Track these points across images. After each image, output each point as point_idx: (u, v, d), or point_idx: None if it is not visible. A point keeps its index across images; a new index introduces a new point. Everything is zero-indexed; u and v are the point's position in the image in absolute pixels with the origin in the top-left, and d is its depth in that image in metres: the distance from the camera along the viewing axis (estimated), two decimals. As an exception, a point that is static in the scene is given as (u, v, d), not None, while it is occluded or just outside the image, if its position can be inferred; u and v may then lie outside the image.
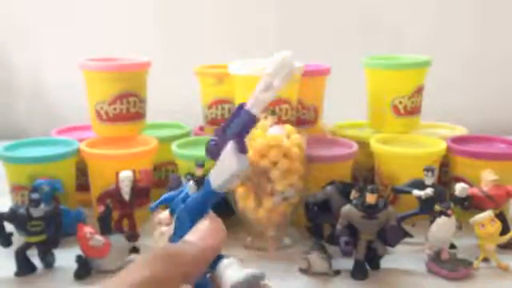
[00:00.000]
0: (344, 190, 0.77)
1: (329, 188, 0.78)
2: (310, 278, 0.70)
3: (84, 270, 0.70)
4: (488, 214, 0.72)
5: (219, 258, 0.33)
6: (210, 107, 1.03)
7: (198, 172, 0.79)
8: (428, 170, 0.78)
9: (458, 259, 0.72)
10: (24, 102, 1.48)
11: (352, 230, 0.71)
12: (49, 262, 0.73)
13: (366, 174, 0.97)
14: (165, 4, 1.41)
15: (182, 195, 0.71)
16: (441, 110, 1.14)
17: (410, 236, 0.76)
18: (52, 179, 0.81)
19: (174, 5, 1.41)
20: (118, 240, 0.73)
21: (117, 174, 0.78)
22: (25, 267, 0.72)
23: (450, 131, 1.04)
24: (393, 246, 0.72)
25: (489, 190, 0.77)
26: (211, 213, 0.34)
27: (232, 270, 0.32)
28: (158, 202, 0.76)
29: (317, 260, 0.70)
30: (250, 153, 0.74)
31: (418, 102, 0.97)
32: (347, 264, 0.72)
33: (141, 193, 0.81)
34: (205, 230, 0.33)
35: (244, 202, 0.76)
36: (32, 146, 0.91)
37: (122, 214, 0.79)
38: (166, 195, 0.76)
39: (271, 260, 0.76)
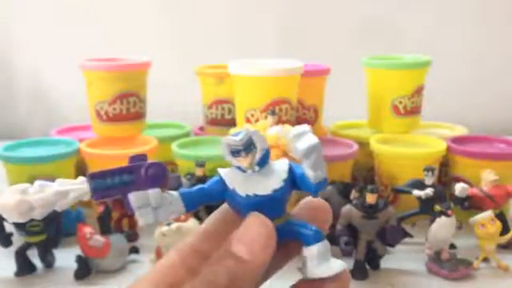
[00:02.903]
0: (344, 190, 0.77)
1: (329, 188, 0.78)
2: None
3: (84, 270, 0.70)
4: (488, 214, 0.72)
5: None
6: (210, 107, 1.03)
7: (198, 172, 0.79)
8: (428, 170, 0.78)
9: (457, 259, 0.72)
10: (24, 101, 1.48)
11: (352, 230, 0.71)
12: (49, 262, 0.73)
13: (365, 173, 0.97)
14: (165, 4, 1.41)
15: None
16: (441, 110, 1.14)
17: (410, 236, 0.76)
18: (52, 179, 0.81)
19: (174, 5, 1.41)
20: (118, 240, 0.73)
21: (117, 173, 0.78)
22: (25, 267, 0.72)
23: (450, 131, 1.04)
24: (393, 245, 0.72)
25: (489, 190, 0.77)
26: (256, 213, 0.25)
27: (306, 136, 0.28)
28: None
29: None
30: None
31: (418, 102, 0.97)
32: (347, 264, 0.71)
33: (141, 193, 0.81)
34: (255, 238, 0.24)
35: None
36: (32, 146, 0.91)
37: (121, 214, 0.79)
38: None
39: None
